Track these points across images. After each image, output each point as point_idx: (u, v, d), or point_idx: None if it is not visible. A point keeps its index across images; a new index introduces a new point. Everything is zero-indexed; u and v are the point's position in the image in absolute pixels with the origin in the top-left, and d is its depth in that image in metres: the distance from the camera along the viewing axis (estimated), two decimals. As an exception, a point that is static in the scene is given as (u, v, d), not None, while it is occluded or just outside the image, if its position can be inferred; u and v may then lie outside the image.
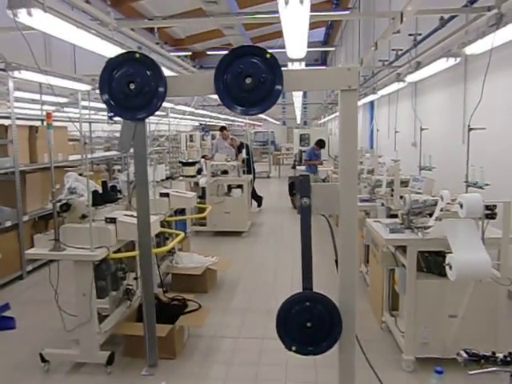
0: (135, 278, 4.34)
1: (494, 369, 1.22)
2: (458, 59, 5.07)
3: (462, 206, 2.78)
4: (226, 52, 1.73)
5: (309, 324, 1.58)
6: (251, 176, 8.87)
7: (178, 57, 8.76)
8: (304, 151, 11.55)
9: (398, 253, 3.82)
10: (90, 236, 3.27)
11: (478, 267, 2.76)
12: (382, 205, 4.94)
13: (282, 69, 1.68)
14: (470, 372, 1.24)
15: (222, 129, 10.43)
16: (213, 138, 18.89)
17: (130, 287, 4.19)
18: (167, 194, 4.93)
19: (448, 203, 2.94)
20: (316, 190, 1.79)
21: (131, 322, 4.00)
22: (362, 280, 5.64)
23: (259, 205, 10.73)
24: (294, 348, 1.62)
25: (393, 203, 4.85)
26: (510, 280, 3.04)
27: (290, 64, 8.85)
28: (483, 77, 3.76)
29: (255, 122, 27.17)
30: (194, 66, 9.70)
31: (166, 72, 6.51)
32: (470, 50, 4.46)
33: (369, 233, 4.86)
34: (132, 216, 3.59)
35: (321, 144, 10.48)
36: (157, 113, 1.80)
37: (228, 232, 8.12)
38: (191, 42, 19.28)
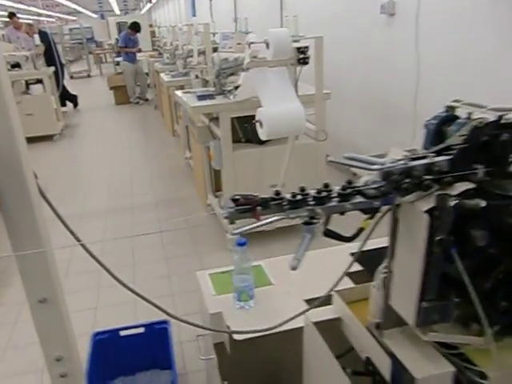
0: None
1: (276, 218, 0.70)
2: None
3: (268, 46, 2.25)
4: None
5: None
6: (53, 68, 7.42)
7: None
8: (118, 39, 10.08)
9: (213, 125, 3.29)
10: None
11: (290, 119, 2.33)
12: (197, 77, 4.31)
13: None
14: (234, 231, 0.71)
15: (12, 15, 8.48)
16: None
17: None
18: None
19: (254, 45, 2.38)
20: None
21: None
22: (186, 166, 5.14)
23: (75, 105, 9.36)
24: None
25: (207, 74, 4.23)
26: (325, 134, 2.69)
27: None
28: None
29: (68, 17, 23.69)
30: None
31: None
32: None
33: (186, 112, 4.26)
34: None
35: (136, 27, 9.17)
36: None
37: (35, 137, 6.85)
38: None
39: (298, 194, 0.72)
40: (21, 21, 8.82)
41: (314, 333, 1.42)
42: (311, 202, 0.72)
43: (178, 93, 3.55)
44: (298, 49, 2.51)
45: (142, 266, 3.19)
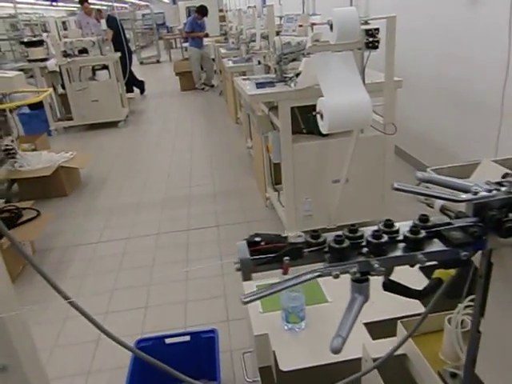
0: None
1: (312, 276, 0.50)
2: None
3: (331, 27, 1.99)
4: None
5: None
6: (119, 54, 7.46)
7: None
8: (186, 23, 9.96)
9: (273, 114, 3.08)
10: None
11: (355, 111, 2.07)
12: (259, 62, 4.10)
13: None
14: (243, 299, 0.51)
15: (83, 1, 8.58)
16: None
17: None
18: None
19: (317, 27, 2.13)
20: None
21: None
22: (248, 156, 4.98)
23: (142, 91, 9.47)
24: None
25: (270, 60, 4.01)
26: (395, 127, 2.39)
27: None
28: None
29: (140, 2, 24.09)
30: None
31: None
32: None
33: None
34: None
35: (203, 11, 9.05)
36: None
37: (101, 124, 6.97)
38: None
39: (345, 238, 0.50)
40: (91, 6, 8.95)
41: (373, 371, 1.20)
42: (365, 250, 0.50)
43: (238, 79, 3.36)
44: (367, 31, 2.23)
45: (196, 263, 3.06)
